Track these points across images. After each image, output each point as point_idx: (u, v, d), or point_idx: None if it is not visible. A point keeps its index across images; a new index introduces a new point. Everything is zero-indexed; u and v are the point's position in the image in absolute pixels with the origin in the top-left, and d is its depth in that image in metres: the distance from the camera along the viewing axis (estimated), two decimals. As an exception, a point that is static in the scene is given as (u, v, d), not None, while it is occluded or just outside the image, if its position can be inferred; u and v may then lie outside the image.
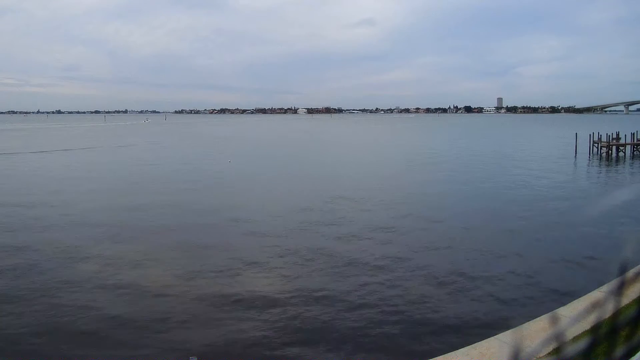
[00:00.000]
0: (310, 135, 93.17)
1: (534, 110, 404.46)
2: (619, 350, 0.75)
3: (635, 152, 46.42)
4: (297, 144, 70.21)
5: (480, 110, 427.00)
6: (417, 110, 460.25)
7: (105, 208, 22.69)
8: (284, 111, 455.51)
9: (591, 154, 46.14)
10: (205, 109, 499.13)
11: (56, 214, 21.54)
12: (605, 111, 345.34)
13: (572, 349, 0.72)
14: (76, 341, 10.04)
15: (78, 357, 9.36)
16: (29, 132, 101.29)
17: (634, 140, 47.12)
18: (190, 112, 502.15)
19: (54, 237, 17.66)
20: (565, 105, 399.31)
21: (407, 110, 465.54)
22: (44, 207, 22.89)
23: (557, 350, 0.72)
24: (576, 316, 0.80)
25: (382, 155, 52.42)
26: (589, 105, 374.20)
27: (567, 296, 10.89)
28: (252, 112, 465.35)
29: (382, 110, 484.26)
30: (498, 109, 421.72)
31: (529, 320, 8.29)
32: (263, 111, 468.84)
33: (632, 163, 41.68)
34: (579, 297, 9.72)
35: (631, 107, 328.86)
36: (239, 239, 17.59)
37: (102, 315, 11.22)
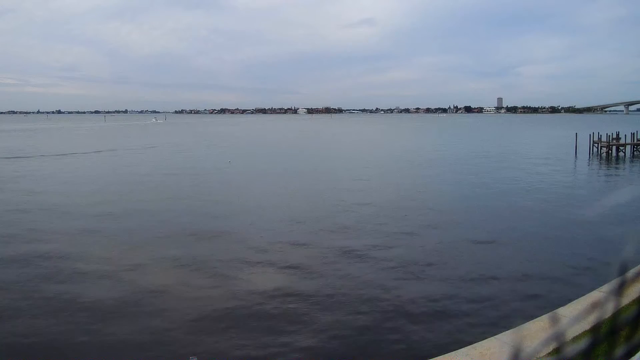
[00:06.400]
0: (322, 136, 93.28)
1: (534, 110, 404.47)
2: (619, 350, 0.75)
3: (635, 152, 46.39)
4: (312, 144, 70.19)
5: (480, 110, 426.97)
6: (417, 110, 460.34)
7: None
8: (284, 111, 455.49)
9: (591, 154, 46.13)
10: (205, 109, 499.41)
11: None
12: (605, 111, 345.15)
13: (572, 349, 0.71)
14: (76, 341, 10.04)
15: (77, 357, 9.36)
16: (38, 133, 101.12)
17: (634, 140, 47.09)
18: (190, 112, 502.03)
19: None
20: (565, 105, 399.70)
21: (407, 110, 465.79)
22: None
23: (557, 350, 0.72)
24: (576, 316, 0.79)
25: (394, 156, 52.40)
26: (589, 105, 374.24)
27: (566, 297, 10.87)
28: (252, 112, 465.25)
29: (382, 110, 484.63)
30: (498, 109, 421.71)
31: (529, 320, 8.28)
32: (263, 111, 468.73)
33: (632, 163, 41.68)
34: (579, 297, 9.71)
35: (631, 107, 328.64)
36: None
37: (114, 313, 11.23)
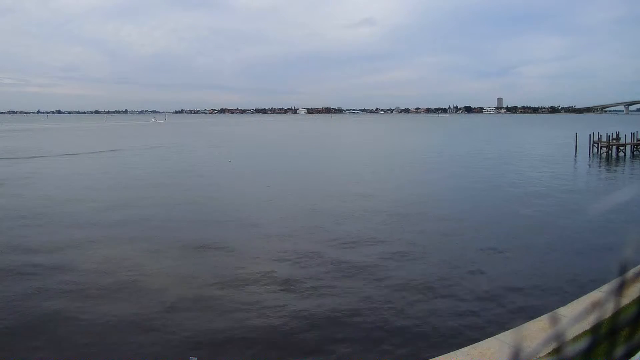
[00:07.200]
0: (322, 136, 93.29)
1: (534, 110, 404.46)
2: (619, 350, 0.75)
3: (635, 152, 46.41)
4: (312, 144, 70.21)
5: (480, 110, 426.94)
6: (417, 110, 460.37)
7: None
8: (284, 111, 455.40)
9: (591, 154, 46.15)
10: (205, 109, 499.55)
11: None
12: (605, 111, 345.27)
13: (572, 349, 0.71)
14: (75, 340, 10.05)
15: (77, 357, 9.37)
16: (38, 133, 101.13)
17: (633, 140, 47.12)
18: (190, 112, 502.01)
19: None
20: (565, 105, 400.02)
21: (407, 110, 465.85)
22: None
23: (557, 350, 0.72)
24: (576, 316, 0.79)
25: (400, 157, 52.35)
26: (589, 105, 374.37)
27: (567, 297, 10.88)
28: (252, 112, 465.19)
29: (382, 110, 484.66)
30: (498, 109, 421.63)
31: (529, 320, 8.29)
32: (263, 111, 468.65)
33: (632, 163, 41.69)
34: (579, 297, 9.71)
35: (631, 107, 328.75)
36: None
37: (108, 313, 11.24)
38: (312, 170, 38.18)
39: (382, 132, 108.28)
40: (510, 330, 8.33)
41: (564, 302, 9.47)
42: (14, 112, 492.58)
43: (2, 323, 10.74)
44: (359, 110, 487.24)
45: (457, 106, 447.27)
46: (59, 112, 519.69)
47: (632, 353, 0.77)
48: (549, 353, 3.46)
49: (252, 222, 19.88)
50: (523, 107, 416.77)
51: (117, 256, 15.41)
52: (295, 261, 14.92)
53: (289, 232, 18.38)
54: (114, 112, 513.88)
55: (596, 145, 46.80)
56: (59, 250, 15.98)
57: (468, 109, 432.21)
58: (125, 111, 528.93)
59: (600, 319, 0.73)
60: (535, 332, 7.46)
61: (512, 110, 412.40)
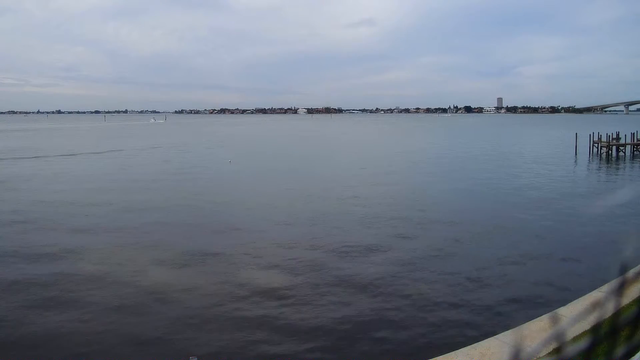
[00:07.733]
0: (322, 136, 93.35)
1: (534, 110, 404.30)
2: (619, 350, 0.75)
3: (635, 152, 46.42)
4: (313, 144, 70.23)
5: (480, 110, 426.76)
6: (417, 110, 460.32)
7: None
8: (284, 111, 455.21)
9: (591, 154, 46.16)
10: (205, 109, 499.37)
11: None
12: (605, 111, 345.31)
13: (572, 349, 0.71)
14: (76, 341, 10.05)
15: (77, 357, 9.37)
16: (39, 133, 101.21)
17: (634, 140, 47.12)
18: (190, 112, 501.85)
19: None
20: (565, 105, 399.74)
21: (407, 110, 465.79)
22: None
23: (557, 350, 0.72)
24: (576, 316, 0.79)
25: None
26: (589, 105, 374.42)
27: (567, 296, 10.88)
28: (252, 112, 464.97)
29: (382, 110, 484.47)
30: (498, 109, 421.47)
31: (529, 320, 8.29)
32: (263, 111, 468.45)
33: (632, 163, 41.69)
34: (579, 297, 9.71)
35: (631, 107, 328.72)
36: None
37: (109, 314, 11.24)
38: (313, 170, 38.16)
39: (383, 133, 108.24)
40: (510, 330, 8.33)
41: (564, 303, 9.48)
42: (14, 112, 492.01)
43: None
44: (359, 110, 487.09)
45: (457, 106, 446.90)
46: (59, 112, 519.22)
47: (632, 353, 0.77)
48: (549, 353, 3.47)
49: (252, 223, 19.89)
50: (523, 107, 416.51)
51: (115, 261, 15.39)
52: (293, 265, 14.91)
53: (289, 236, 18.33)
54: (114, 112, 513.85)
55: (596, 145, 46.79)
56: (56, 253, 15.96)
57: (468, 109, 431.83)
58: (125, 111, 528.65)
59: (600, 319, 0.72)
60: (535, 332, 7.46)
61: (512, 110, 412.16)
